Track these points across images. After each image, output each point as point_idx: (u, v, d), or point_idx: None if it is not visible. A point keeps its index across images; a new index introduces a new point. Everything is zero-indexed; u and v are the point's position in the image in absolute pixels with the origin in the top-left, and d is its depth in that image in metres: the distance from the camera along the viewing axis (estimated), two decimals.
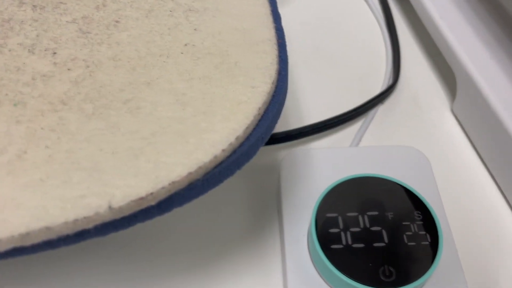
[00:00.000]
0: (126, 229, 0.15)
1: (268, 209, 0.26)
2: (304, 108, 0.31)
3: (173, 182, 0.14)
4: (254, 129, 0.16)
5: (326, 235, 0.21)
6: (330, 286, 0.21)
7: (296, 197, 0.24)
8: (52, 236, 0.14)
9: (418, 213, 0.22)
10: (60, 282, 0.23)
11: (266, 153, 0.28)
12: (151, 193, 0.14)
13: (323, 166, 0.25)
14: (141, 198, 0.14)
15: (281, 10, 0.37)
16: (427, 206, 0.22)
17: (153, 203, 0.14)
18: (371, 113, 0.30)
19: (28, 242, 0.13)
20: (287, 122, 0.30)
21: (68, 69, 0.17)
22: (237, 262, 0.23)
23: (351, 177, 0.24)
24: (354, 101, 0.31)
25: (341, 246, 0.21)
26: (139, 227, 0.24)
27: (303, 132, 0.28)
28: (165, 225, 0.25)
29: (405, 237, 0.22)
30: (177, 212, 0.25)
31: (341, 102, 0.31)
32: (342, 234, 0.22)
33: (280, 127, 0.30)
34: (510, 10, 0.29)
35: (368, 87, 0.32)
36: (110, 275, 0.23)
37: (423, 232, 0.22)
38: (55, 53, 0.18)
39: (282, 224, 0.23)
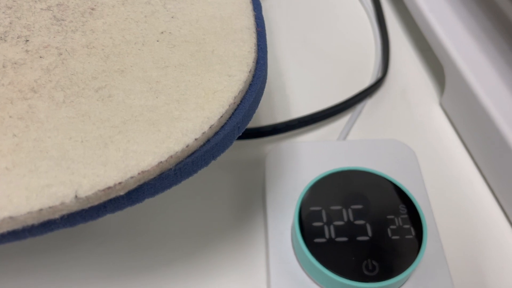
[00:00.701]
0: (96, 220, 0.14)
1: (253, 203, 0.25)
2: (291, 101, 0.31)
3: (143, 172, 0.14)
4: (230, 118, 0.16)
5: (310, 229, 0.21)
6: (312, 280, 0.21)
7: (281, 191, 0.24)
8: (16, 226, 0.13)
9: (403, 207, 0.22)
10: (39, 278, 0.22)
11: (252, 147, 0.28)
12: (120, 183, 0.14)
13: (309, 159, 0.25)
14: (109, 188, 0.13)
15: (270, 2, 0.37)
16: (412, 199, 0.22)
17: (122, 192, 0.14)
18: (359, 106, 0.30)
19: None
20: (274, 115, 0.30)
21: (40, 57, 0.17)
22: (222, 256, 0.23)
23: (335, 171, 0.23)
24: (343, 94, 0.30)
25: (324, 240, 0.21)
26: (120, 221, 0.24)
27: (290, 125, 0.28)
28: (148, 219, 0.24)
29: (389, 230, 0.21)
30: (161, 206, 0.25)
31: (329, 95, 0.31)
32: (326, 227, 0.21)
33: (267, 120, 0.29)
34: (500, 4, 0.29)
35: (356, 80, 0.32)
36: (91, 271, 0.23)
37: (408, 226, 0.21)
38: (27, 40, 0.17)
39: (266, 218, 0.23)
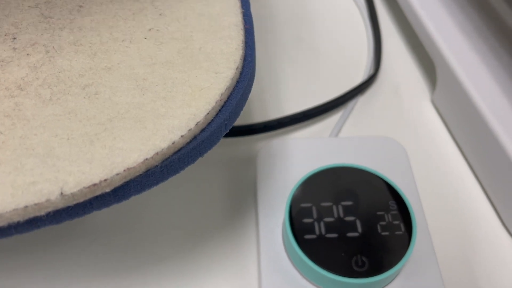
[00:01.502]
0: (82, 217, 0.14)
1: (245, 200, 0.25)
2: (283, 99, 0.31)
3: (128, 169, 0.14)
4: (216, 115, 0.16)
5: (300, 225, 0.21)
6: (303, 276, 0.21)
7: (272, 187, 0.24)
8: (2, 223, 0.13)
9: (393, 203, 0.22)
10: (31, 277, 0.22)
11: (244, 144, 0.28)
12: (105, 180, 0.14)
13: (300, 156, 0.25)
14: (95, 185, 0.14)
15: (263, 0, 0.37)
16: (402, 196, 0.22)
17: (107, 189, 0.14)
18: (351, 103, 0.30)
19: None
20: (266, 112, 0.30)
21: (27, 54, 0.17)
22: (213, 253, 0.23)
23: (326, 167, 0.23)
24: (335, 91, 0.30)
25: (314, 236, 0.21)
26: (112, 219, 0.24)
27: (282, 122, 0.28)
28: (140, 218, 0.24)
29: (379, 227, 0.21)
30: (152, 204, 0.25)
31: (321, 92, 0.31)
32: (316, 224, 0.21)
33: (259, 117, 0.29)
34: (491, 1, 0.29)
35: (348, 77, 0.32)
36: (83, 269, 0.23)
37: (397, 222, 0.21)
38: (15, 38, 0.17)
39: (258, 215, 0.23)
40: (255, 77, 0.27)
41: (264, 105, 0.30)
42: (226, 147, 0.28)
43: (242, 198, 0.25)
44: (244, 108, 0.30)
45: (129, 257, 0.23)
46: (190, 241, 0.24)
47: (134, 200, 0.25)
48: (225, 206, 0.25)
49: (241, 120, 0.29)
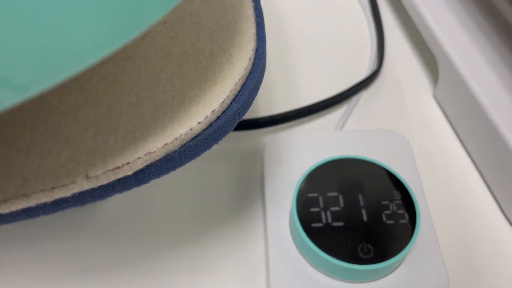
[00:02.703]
0: (104, 199, 0.15)
1: (252, 192, 0.26)
2: (288, 94, 0.31)
3: (149, 153, 0.15)
4: (231, 103, 0.16)
5: (307, 214, 0.22)
6: (310, 263, 0.21)
7: (279, 179, 0.24)
8: (30, 203, 0.14)
9: (397, 193, 0.23)
10: (41, 266, 0.23)
11: (251, 138, 0.29)
12: (127, 163, 0.14)
13: (305, 149, 0.26)
14: (118, 168, 0.14)
15: None
16: (406, 186, 0.23)
17: (129, 172, 0.14)
18: (354, 98, 0.31)
19: (5, 210, 0.14)
20: (272, 107, 0.30)
21: None
22: (222, 243, 0.24)
23: (332, 159, 0.24)
24: (338, 86, 0.31)
25: (321, 225, 0.22)
26: (122, 211, 0.25)
27: (287, 116, 0.29)
28: (149, 210, 0.25)
29: (383, 215, 0.22)
30: (162, 196, 0.25)
31: (326, 87, 0.31)
32: (323, 213, 0.22)
33: (265, 112, 0.30)
34: None
35: (352, 73, 0.32)
36: (93, 258, 0.23)
37: (402, 211, 0.22)
38: None
39: (265, 206, 0.24)
40: None
41: (270, 100, 0.31)
42: (234, 140, 0.28)
43: (250, 190, 0.26)
44: None
45: (138, 247, 0.24)
46: (199, 231, 0.24)
47: (144, 192, 0.25)
48: (233, 198, 0.26)
49: (248, 115, 0.29)
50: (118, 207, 0.25)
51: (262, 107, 0.30)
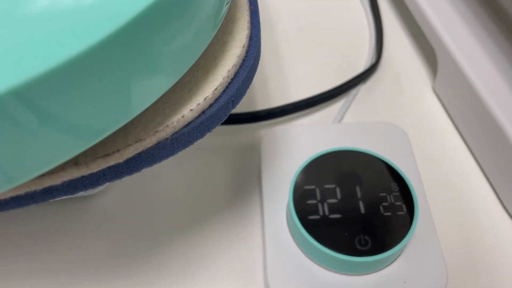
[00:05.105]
0: (95, 187, 0.15)
1: (250, 185, 0.26)
2: (286, 87, 0.31)
3: (140, 140, 0.14)
4: (224, 91, 0.16)
5: (304, 206, 0.22)
6: (307, 256, 0.21)
7: (276, 172, 0.24)
8: (19, 191, 0.14)
9: (395, 185, 0.23)
10: (39, 260, 0.23)
11: (248, 131, 0.29)
12: (118, 150, 0.14)
13: (303, 142, 0.25)
14: (108, 155, 0.14)
15: None
16: (404, 177, 0.23)
17: (120, 160, 0.14)
18: (353, 91, 0.31)
19: None
20: (270, 100, 0.30)
21: None
22: (219, 235, 0.24)
23: (329, 151, 0.24)
24: (337, 79, 0.31)
25: (318, 217, 0.21)
26: (118, 205, 0.25)
27: (285, 110, 0.29)
28: (146, 203, 0.25)
29: (381, 207, 0.22)
30: (158, 189, 0.25)
31: (324, 80, 0.31)
32: (320, 205, 0.22)
33: (263, 105, 0.30)
34: None
35: (351, 66, 0.32)
36: (91, 251, 0.23)
37: (399, 203, 0.22)
38: None
39: (262, 198, 0.23)
40: (259, 66, 0.27)
41: (267, 93, 0.31)
42: (232, 134, 0.28)
43: (247, 183, 0.26)
44: (248, 96, 0.31)
45: (135, 241, 0.23)
46: (197, 224, 0.24)
47: (141, 186, 0.25)
48: (230, 191, 0.25)
49: (246, 108, 0.29)
50: (115, 201, 0.25)
51: (259, 100, 0.30)
